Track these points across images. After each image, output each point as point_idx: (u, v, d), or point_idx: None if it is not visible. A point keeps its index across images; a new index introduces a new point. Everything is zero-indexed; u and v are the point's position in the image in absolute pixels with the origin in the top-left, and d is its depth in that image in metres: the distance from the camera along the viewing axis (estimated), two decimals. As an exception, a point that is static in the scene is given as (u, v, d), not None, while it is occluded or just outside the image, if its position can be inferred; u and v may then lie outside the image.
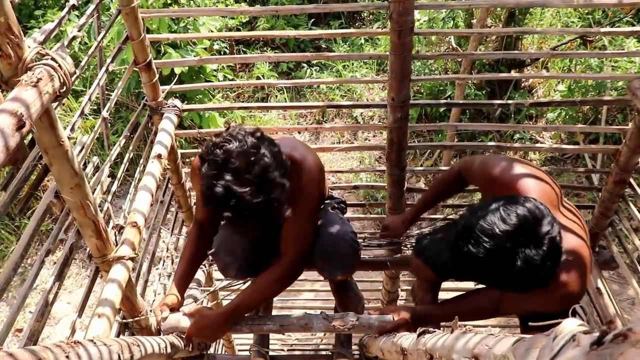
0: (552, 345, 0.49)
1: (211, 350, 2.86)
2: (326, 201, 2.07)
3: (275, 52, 6.72)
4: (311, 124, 6.36)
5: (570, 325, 0.50)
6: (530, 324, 1.79)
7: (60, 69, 1.08)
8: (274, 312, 2.54)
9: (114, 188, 2.02)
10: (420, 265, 2.03)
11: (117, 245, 1.67)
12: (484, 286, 2.06)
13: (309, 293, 4.19)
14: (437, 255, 1.94)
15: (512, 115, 5.79)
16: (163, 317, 1.80)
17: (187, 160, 2.77)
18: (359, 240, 2.00)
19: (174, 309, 1.84)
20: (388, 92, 2.31)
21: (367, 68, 6.65)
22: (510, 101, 2.49)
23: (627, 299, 4.45)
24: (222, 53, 6.33)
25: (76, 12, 5.24)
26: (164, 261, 2.81)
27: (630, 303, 4.43)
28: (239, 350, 3.94)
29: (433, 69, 6.33)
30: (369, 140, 6.29)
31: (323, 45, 6.92)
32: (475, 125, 3.79)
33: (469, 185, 2.01)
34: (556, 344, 0.49)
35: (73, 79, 1.15)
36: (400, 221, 2.24)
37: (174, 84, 2.54)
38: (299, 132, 6.37)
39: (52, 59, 1.08)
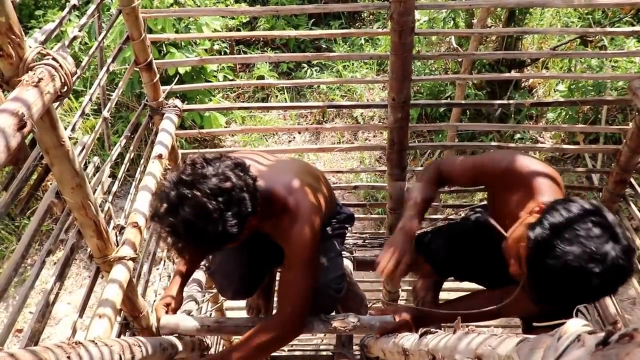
0: (557, 345, 0.49)
1: (212, 351, 2.86)
2: (332, 221, 1.98)
3: (275, 53, 6.72)
4: (311, 124, 6.36)
5: (574, 326, 0.50)
6: (534, 324, 1.79)
7: (61, 69, 1.08)
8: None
9: (114, 188, 2.02)
10: (421, 263, 2.04)
11: (118, 245, 1.67)
12: (483, 288, 2.07)
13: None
14: (436, 253, 1.94)
15: (513, 116, 5.79)
16: (159, 318, 1.82)
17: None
18: (343, 283, 1.90)
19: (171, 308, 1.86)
20: (388, 92, 2.31)
21: (367, 68, 6.65)
22: (511, 101, 2.49)
23: (627, 298, 4.45)
24: (222, 53, 6.32)
25: (77, 12, 5.24)
26: (165, 261, 2.81)
27: (631, 303, 4.43)
28: (239, 351, 3.93)
29: (433, 69, 6.33)
30: (369, 140, 6.29)
31: (323, 46, 6.91)
32: (476, 126, 3.79)
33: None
34: (561, 344, 0.48)
35: (74, 79, 1.14)
36: (408, 240, 1.86)
37: (175, 84, 2.54)
38: (299, 132, 6.37)
39: (53, 59, 1.08)
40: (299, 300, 1.66)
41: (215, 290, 2.71)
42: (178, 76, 2.83)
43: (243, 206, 1.42)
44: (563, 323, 0.52)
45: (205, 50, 5.64)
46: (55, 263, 1.70)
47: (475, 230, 1.98)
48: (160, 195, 1.43)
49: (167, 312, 1.86)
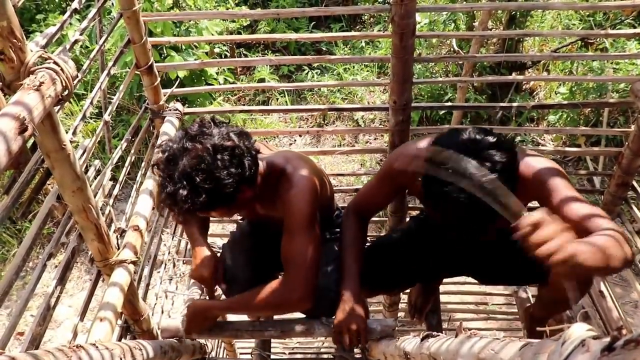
0: (561, 350, 0.48)
1: (212, 354, 2.86)
2: (331, 223, 1.98)
3: (276, 55, 6.72)
4: (312, 126, 6.36)
5: (579, 330, 0.50)
6: (538, 328, 1.79)
7: (62, 73, 1.08)
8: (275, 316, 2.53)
9: (115, 191, 2.02)
10: (363, 290, 2.03)
11: (118, 248, 1.67)
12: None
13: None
14: (364, 275, 1.93)
15: (514, 118, 5.79)
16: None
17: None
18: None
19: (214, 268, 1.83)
20: (389, 95, 2.30)
21: (367, 71, 6.65)
22: (513, 104, 2.49)
23: (629, 302, 4.44)
24: (223, 56, 6.33)
25: (77, 16, 5.25)
26: (166, 264, 2.81)
27: (633, 306, 4.42)
28: (240, 354, 3.93)
29: (434, 71, 6.33)
30: (370, 143, 6.28)
31: (324, 48, 6.91)
32: (477, 128, 3.77)
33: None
34: (565, 349, 0.48)
35: (75, 82, 1.15)
36: (359, 309, 1.83)
37: (176, 87, 2.54)
38: (300, 135, 6.36)
39: (55, 62, 1.08)
40: (303, 266, 1.62)
41: (216, 293, 2.71)
42: (179, 79, 2.83)
43: (241, 168, 1.47)
44: (567, 328, 0.52)
45: (206, 53, 5.65)
46: (56, 266, 1.70)
47: (405, 237, 2.02)
48: (164, 147, 1.48)
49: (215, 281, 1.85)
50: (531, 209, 1.46)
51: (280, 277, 2.32)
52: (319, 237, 1.68)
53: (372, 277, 1.96)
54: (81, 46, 5.52)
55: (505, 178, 1.26)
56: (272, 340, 2.53)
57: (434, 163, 1.32)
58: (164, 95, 2.44)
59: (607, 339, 0.41)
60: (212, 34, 5.41)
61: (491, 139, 1.38)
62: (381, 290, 2.23)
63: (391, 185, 1.85)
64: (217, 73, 5.77)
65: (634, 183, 2.44)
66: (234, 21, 6.42)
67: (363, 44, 6.76)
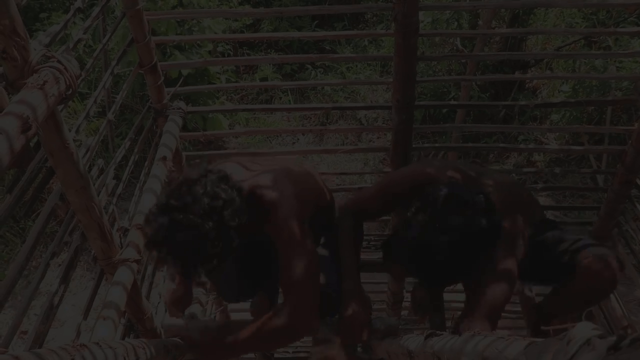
0: (567, 349, 0.48)
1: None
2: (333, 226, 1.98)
3: (279, 54, 6.72)
4: (315, 125, 6.35)
5: (584, 329, 0.50)
6: (542, 327, 1.78)
7: (66, 72, 1.08)
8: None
9: (119, 190, 2.02)
10: (395, 267, 2.04)
11: (122, 247, 1.67)
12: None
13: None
14: (402, 253, 1.91)
15: (517, 117, 5.77)
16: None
17: (192, 162, 2.76)
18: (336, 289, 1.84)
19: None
20: (393, 94, 2.30)
21: (370, 70, 6.64)
22: (520, 102, 2.48)
23: (633, 300, 4.42)
24: (226, 55, 6.32)
25: (81, 15, 5.24)
26: (169, 263, 2.80)
27: (637, 304, 4.40)
28: (243, 353, 3.93)
29: (437, 70, 6.31)
30: (373, 141, 6.27)
31: (327, 47, 6.91)
32: (480, 127, 3.76)
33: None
34: (570, 348, 0.48)
35: (78, 81, 1.15)
36: (362, 303, 1.85)
37: (179, 86, 2.54)
38: (303, 134, 6.36)
39: (58, 61, 1.08)
40: (303, 286, 1.59)
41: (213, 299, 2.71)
42: (182, 79, 2.82)
43: (234, 219, 1.47)
44: (572, 327, 0.52)
45: (209, 52, 5.65)
46: (59, 265, 1.70)
47: None
48: (152, 224, 1.44)
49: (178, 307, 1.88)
50: None
51: (273, 284, 2.32)
52: (313, 252, 1.66)
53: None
54: (84, 45, 5.52)
55: (482, 240, 1.56)
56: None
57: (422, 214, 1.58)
58: (167, 94, 2.44)
59: (614, 338, 0.41)
60: (215, 33, 5.41)
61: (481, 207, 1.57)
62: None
63: (390, 200, 1.94)
64: (219, 72, 5.77)
65: (638, 181, 2.43)
66: (237, 20, 6.41)
67: (366, 42, 6.75)
